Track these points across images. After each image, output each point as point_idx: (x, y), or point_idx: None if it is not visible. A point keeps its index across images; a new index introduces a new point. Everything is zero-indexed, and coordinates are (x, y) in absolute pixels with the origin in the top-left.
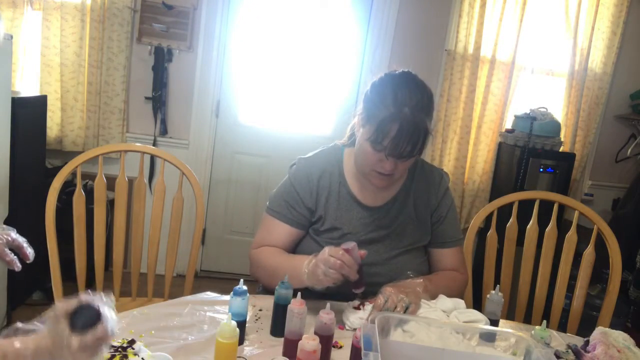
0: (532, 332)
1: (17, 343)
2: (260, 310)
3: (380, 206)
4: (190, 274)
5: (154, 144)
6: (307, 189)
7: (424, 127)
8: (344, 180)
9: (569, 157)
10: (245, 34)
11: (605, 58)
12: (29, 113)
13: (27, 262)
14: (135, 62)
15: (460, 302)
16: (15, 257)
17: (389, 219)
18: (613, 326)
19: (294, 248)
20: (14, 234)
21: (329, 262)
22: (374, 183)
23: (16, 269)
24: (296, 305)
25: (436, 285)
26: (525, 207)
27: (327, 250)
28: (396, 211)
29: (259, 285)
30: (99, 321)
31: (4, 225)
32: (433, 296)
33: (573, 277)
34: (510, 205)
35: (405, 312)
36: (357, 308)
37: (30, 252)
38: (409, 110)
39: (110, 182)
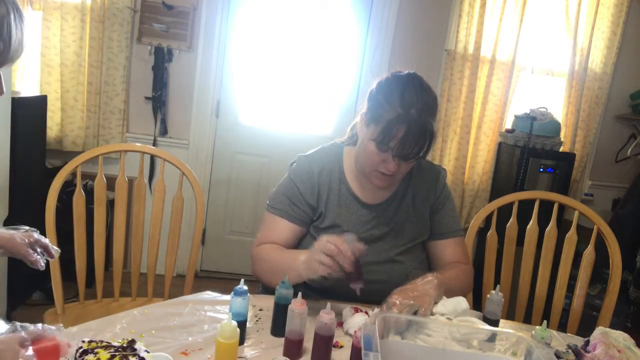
0: (533, 332)
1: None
2: (261, 310)
3: (379, 204)
4: (190, 274)
5: (154, 144)
6: (309, 185)
7: (430, 129)
8: (344, 178)
9: (569, 157)
10: (245, 34)
11: (605, 58)
12: (29, 113)
13: (51, 259)
14: (135, 62)
15: (462, 301)
16: (38, 257)
17: (388, 216)
18: (613, 326)
19: (296, 246)
20: (36, 235)
21: (325, 247)
22: (375, 183)
23: (40, 268)
24: (297, 306)
25: (447, 278)
26: (525, 207)
27: (324, 237)
28: (395, 208)
29: (260, 285)
30: None
31: (26, 227)
32: (446, 291)
33: (573, 277)
34: (510, 205)
35: (415, 314)
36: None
37: (55, 249)
38: (416, 112)
39: (110, 182)
